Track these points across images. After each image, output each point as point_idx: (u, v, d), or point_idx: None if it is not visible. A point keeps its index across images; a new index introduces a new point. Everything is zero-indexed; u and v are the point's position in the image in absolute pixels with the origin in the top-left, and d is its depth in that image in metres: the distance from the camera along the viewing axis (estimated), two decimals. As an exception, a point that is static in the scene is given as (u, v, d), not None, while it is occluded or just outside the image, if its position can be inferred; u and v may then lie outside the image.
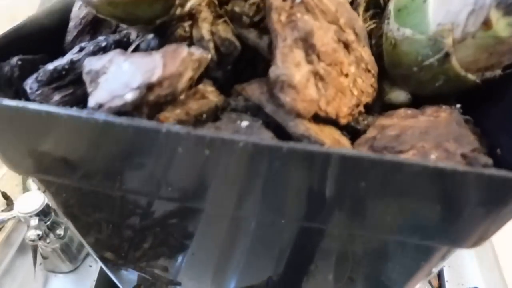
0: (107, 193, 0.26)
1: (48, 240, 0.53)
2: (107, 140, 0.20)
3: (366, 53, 0.24)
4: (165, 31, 0.23)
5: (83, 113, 0.19)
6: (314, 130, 0.21)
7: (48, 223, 0.53)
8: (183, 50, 0.19)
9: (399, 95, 0.27)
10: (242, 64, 0.25)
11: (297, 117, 0.20)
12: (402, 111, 0.25)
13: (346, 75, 0.23)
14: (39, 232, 0.51)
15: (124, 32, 0.24)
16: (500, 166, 0.19)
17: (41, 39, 0.27)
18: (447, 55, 0.23)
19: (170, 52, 0.19)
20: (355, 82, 0.24)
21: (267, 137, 0.19)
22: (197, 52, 0.19)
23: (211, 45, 0.23)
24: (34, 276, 0.55)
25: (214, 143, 0.18)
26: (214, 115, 0.21)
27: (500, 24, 0.22)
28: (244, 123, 0.20)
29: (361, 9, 0.26)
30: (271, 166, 0.19)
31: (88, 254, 0.60)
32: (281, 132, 0.21)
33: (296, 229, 0.29)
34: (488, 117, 0.25)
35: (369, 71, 0.25)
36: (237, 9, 0.23)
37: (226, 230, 0.33)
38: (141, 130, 0.18)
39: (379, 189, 0.19)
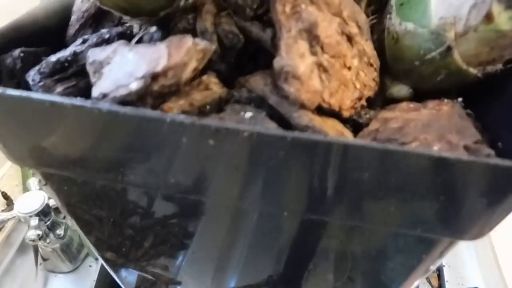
0: (109, 186, 0.25)
1: (48, 240, 0.53)
2: (111, 130, 0.19)
3: (368, 47, 0.24)
4: (168, 24, 0.24)
5: (87, 103, 0.18)
6: (318, 121, 0.21)
7: (48, 223, 0.53)
8: (188, 40, 0.19)
9: (400, 89, 0.27)
10: (245, 58, 0.25)
11: (301, 108, 0.20)
12: (404, 104, 0.25)
13: (349, 68, 0.23)
14: (39, 232, 0.51)
15: (127, 25, 0.24)
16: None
17: (42, 33, 0.27)
18: (449, 49, 0.23)
19: (175, 42, 0.19)
20: (357, 76, 0.24)
21: (272, 127, 0.19)
22: (201, 42, 0.19)
23: (215, 37, 0.23)
24: (36, 276, 0.55)
25: (218, 133, 0.18)
26: (218, 106, 0.21)
27: (502, 18, 0.22)
28: (248, 114, 0.20)
29: (363, 4, 0.26)
30: (276, 156, 0.19)
31: (88, 254, 0.60)
32: (284, 125, 0.21)
33: (297, 225, 0.29)
34: (489, 111, 0.25)
35: (371, 65, 0.25)
36: (240, 1, 0.23)
37: (227, 228, 0.33)
38: (146, 119, 0.18)
39: (383, 179, 0.19)
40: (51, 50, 0.25)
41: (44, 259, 0.56)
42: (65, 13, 0.28)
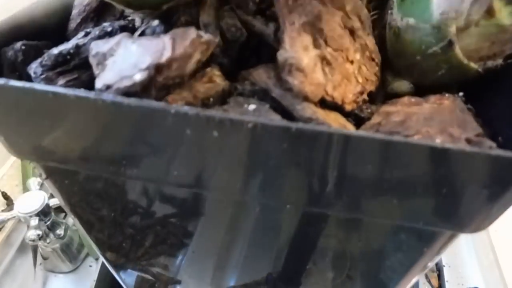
0: (111, 181, 0.25)
1: (48, 240, 0.53)
2: (114, 122, 0.19)
3: (370, 42, 0.25)
4: (170, 17, 0.24)
5: (91, 94, 0.18)
6: (321, 114, 0.21)
7: (48, 223, 0.53)
8: (193, 32, 0.19)
9: (402, 84, 0.27)
10: (247, 52, 0.25)
11: (304, 101, 0.20)
12: (406, 98, 0.25)
13: (352, 62, 0.23)
14: (39, 232, 0.51)
15: (129, 18, 0.24)
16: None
17: (43, 27, 0.27)
18: (450, 43, 0.23)
19: (179, 34, 0.19)
20: (360, 70, 0.24)
21: (276, 119, 0.19)
22: (205, 35, 0.20)
23: (217, 31, 0.23)
24: (34, 276, 0.55)
25: (223, 124, 0.18)
26: (221, 99, 0.21)
27: (503, 12, 0.22)
28: (252, 106, 0.20)
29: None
30: (280, 147, 0.19)
31: (88, 254, 0.60)
32: (287, 117, 0.21)
33: (297, 222, 0.29)
34: (489, 107, 0.26)
35: (373, 59, 0.25)
36: (243, -5, 0.23)
37: (226, 226, 0.33)
38: (150, 111, 0.18)
39: (387, 171, 0.19)
40: (52, 44, 0.25)
41: (44, 258, 0.56)
42: (66, 7, 0.28)
